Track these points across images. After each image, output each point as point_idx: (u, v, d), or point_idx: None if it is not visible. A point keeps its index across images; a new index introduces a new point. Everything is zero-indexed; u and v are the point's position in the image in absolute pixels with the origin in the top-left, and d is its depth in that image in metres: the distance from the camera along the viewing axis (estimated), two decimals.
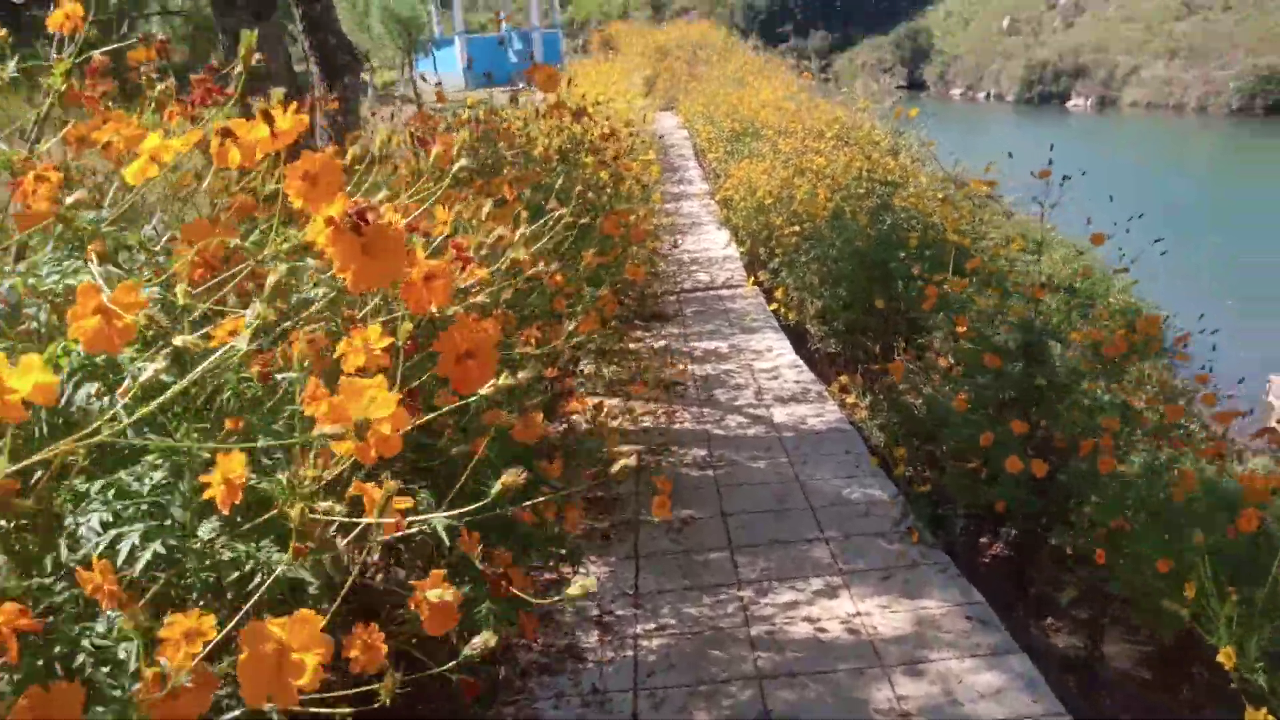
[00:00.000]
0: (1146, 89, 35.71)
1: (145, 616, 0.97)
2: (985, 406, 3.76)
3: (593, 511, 4.20)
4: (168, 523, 1.21)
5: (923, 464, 4.74)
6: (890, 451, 4.64)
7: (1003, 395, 3.71)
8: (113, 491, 1.21)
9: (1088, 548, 3.33)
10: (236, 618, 1.00)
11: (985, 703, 2.85)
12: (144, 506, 1.21)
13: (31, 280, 1.27)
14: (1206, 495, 2.79)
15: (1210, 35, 35.21)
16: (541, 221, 2.06)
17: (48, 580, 1.15)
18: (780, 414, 5.35)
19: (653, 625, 3.40)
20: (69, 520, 1.20)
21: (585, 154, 4.82)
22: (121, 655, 1.07)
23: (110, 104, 1.67)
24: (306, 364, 1.13)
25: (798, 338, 6.93)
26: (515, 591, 1.67)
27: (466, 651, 1.12)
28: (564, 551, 2.61)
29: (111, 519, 1.19)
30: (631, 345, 6.40)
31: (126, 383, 1.01)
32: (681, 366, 6.10)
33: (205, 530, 1.25)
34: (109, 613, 1.06)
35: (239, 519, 1.27)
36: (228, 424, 1.32)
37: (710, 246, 9.40)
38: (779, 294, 7.06)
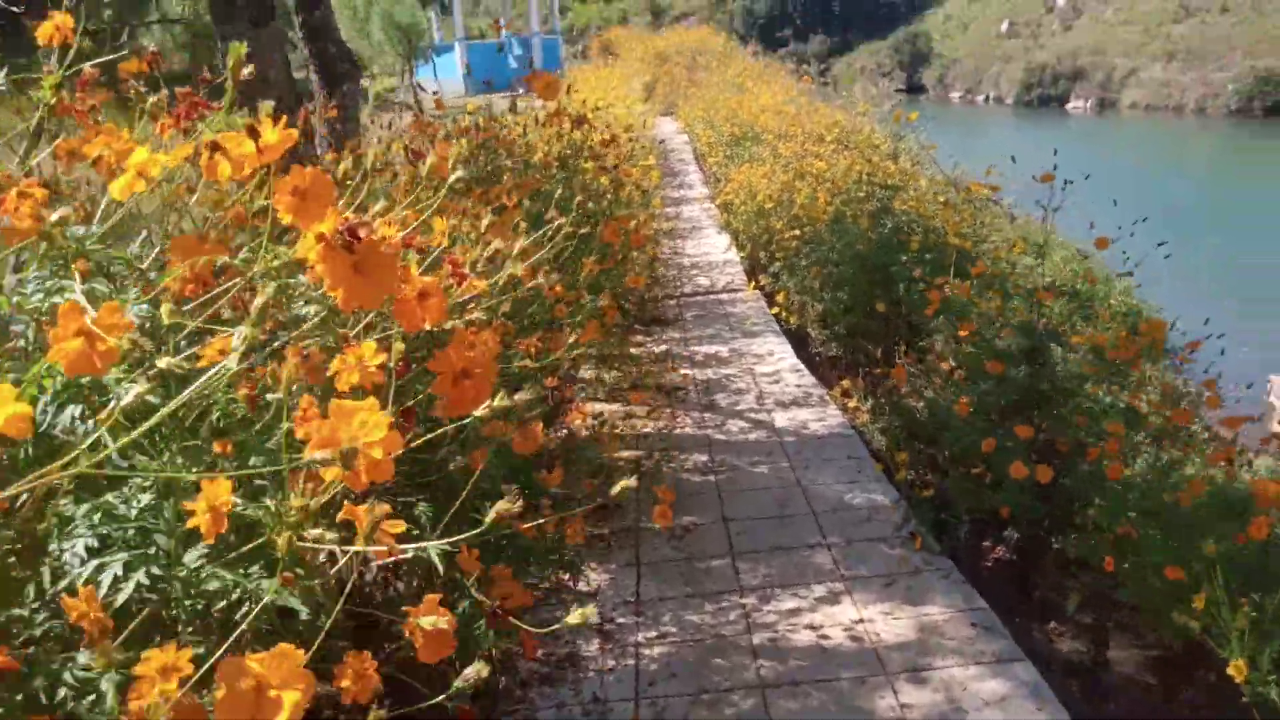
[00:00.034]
0: (1145, 91, 35.75)
1: (121, 650, 0.95)
2: (988, 411, 3.74)
3: (593, 518, 4.18)
4: (153, 550, 1.18)
5: (924, 467, 4.72)
6: (892, 456, 4.62)
7: (1005, 400, 3.69)
8: (99, 515, 1.18)
9: (1092, 551, 3.31)
10: (224, 646, 0.98)
11: (990, 710, 2.83)
12: (130, 531, 1.18)
13: (17, 298, 1.24)
14: (1214, 501, 2.77)
15: (1208, 38, 35.26)
16: (541, 232, 2.04)
17: (29, 610, 1.13)
18: (781, 418, 5.33)
19: (654, 633, 3.38)
20: (53, 545, 1.18)
21: (585, 160, 4.81)
22: (104, 688, 1.05)
23: (99, 118, 1.65)
24: (295, 387, 1.10)
25: (799, 341, 6.91)
26: (514, 621, 1.64)
27: (458, 684, 1.09)
28: (564, 561, 2.59)
29: (97, 544, 1.16)
30: (632, 350, 6.38)
31: (120, 402, 0.98)
32: (683, 373, 6.08)
33: (191, 558, 1.22)
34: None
35: (229, 544, 1.23)
36: (216, 447, 1.30)
37: (710, 251, 9.39)
38: (780, 298, 7.05)
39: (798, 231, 6.98)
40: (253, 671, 0.91)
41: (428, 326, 1.28)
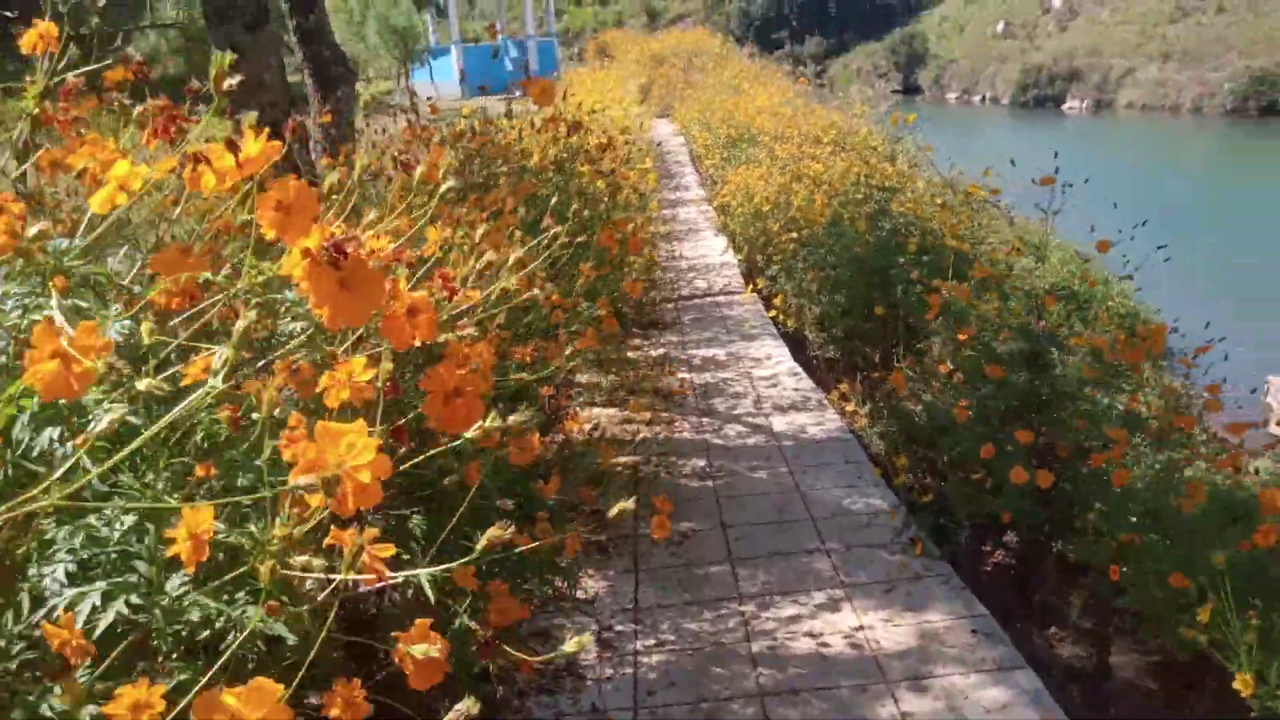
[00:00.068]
0: (1141, 91, 35.76)
1: (105, 678, 0.92)
2: (988, 416, 3.72)
3: (590, 525, 4.15)
4: (134, 577, 1.15)
5: (923, 471, 4.70)
6: (891, 460, 4.60)
7: (1005, 405, 3.67)
8: (80, 538, 1.15)
9: (1092, 555, 3.28)
10: (207, 676, 0.95)
11: (991, 718, 2.80)
12: (112, 555, 1.15)
13: None
14: (1218, 507, 2.74)
15: (1203, 38, 35.27)
16: (536, 241, 2.02)
17: (6, 640, 1.09)
18: (780, 423, 5.31)
19: (653, 641, 3.36)
20: (33, 570, 1.14)
21: (581, 165, 4.79)
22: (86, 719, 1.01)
23: (81, 130, 1.62)
24: (284, 403, 1.07)
25: (796, 344, 6.89)
26: (508, 650, 1.61)
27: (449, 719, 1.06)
28: (561, 569, 2.56)
29: (77, 569, 1.13)
30: (629, 354, 6.35)
31: (94, 427, 0.95)
32: (681, 377, 6.05)
33: (174, 585, 1.18)
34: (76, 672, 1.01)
35: (216, 565, 1.20)
36: (199, 470, 1.26)
37: (708, 253, 9.36)
38: (777, 301, 7.02)
39: (795, 234, 6.95)
40: (229, 707, 0.88)
41: (418, 343, 1.25)
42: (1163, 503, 2.95)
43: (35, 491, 0.91)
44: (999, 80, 42.07)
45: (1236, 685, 2.03)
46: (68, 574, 1.14)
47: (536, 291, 1.83)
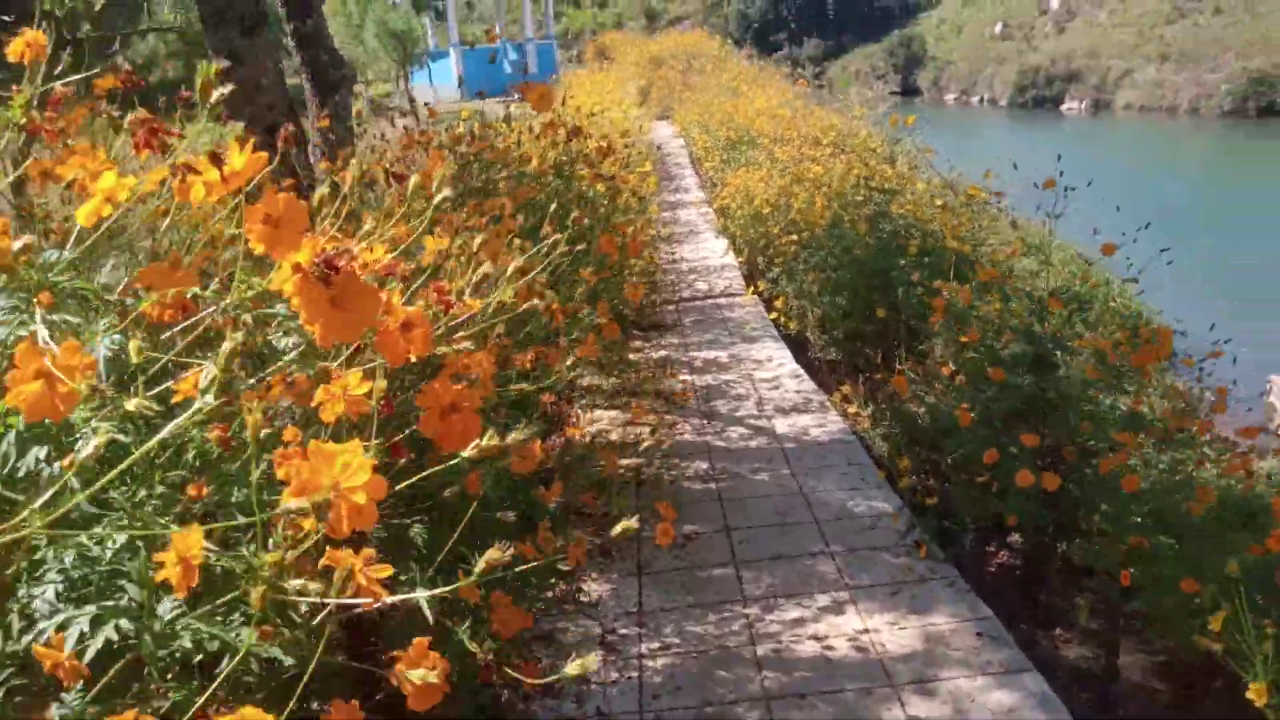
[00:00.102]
0: (1139, 92, 35.75)
1: (83, 708, 0.89)
2: (992, 419, 3.70)
3: (593, 527, 4.14)
4: (124, 600, 1.12)
5: (927, 473, 4.68)
6: (894, 462, 4.58)
7: (1010, 408, 3.65)
8: (71, 557, 1.12)
9: (1098, 558, 3.27)
10: (205, 695, 0.93)
11: None
12: (103, 576, 1.12)
13: None
14: (1229, 511, 2.73)
15: (1201, 39, 35.27)
16: (536, 249, 2.00)
17: None
18: (782, 425, 5.29)
19: (657, 645, 3.34)
20: (22, 590, 1.11)
21: (581, 172, 4.77)
22: None
23: (67, 141, 1.59)
24: (265, 433, 1.04)
25: (798, 346, 6.88)
26: (510, 671, 1.59)
27: None
28: (564, 575, 2.54)
29: (67, 588, 1.09)
30: (631, 356, 6.34)
31: (83, 449, 0.92)
32: (683, 379, 6.04)
33: (166, 608, 1.15)
34: (65, 695, 0.99)
35: (210, 584, 1.17)
36: (190, 490, 1.24)
37: (708, 255, 9.35)
38: (779, 303, 7.01)
39: (795, 236, 6.94)
40: None
41: (413, 358, 1.22)
42: (1170, 504, 2.93)
43: (19, 518, 0.89)
44: (997, 81, 42.06)
45: (1250, 695, 2.01)
46: (57, 594, 1.11)
47: (536, 302, 1.81)
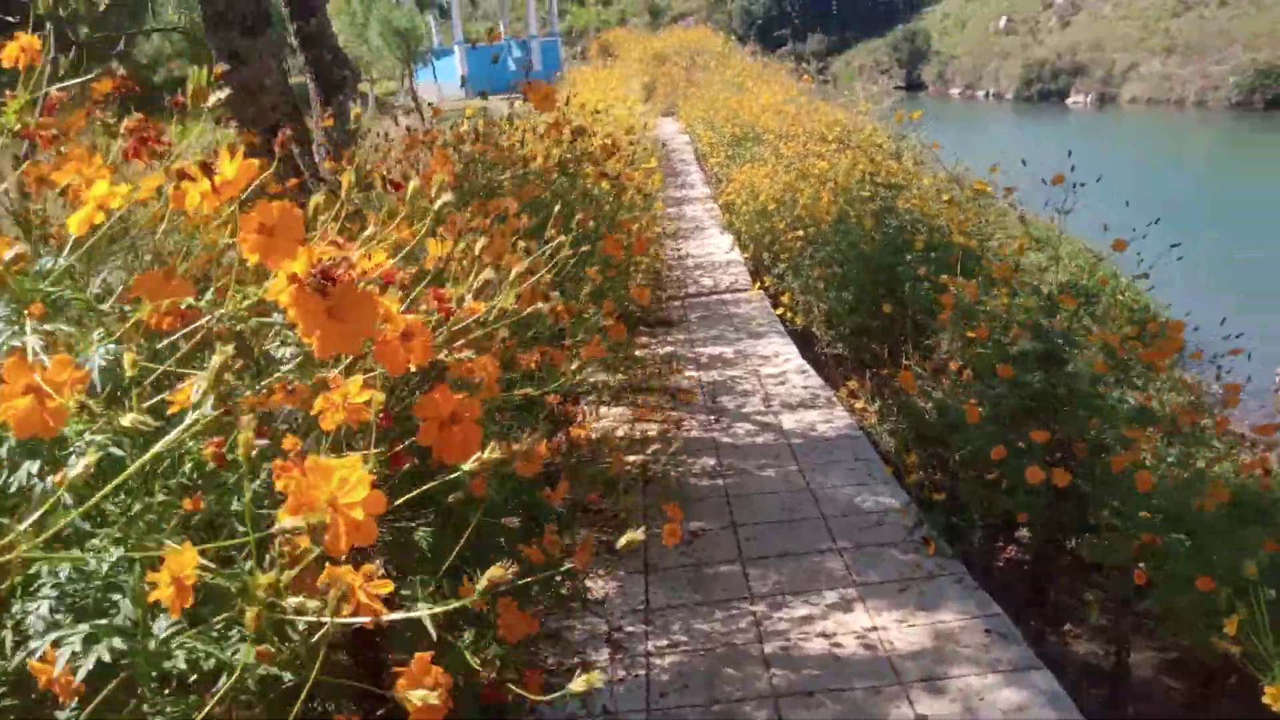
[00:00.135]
0: (1145, 85, 35.60)
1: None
2: (1001, 415, 3.68)
3: (600, 525, 4.13)
4: (119, 618, 1.09)
5: (934, 468, 4.66)
6: (901, 457, 4.56)
7: (1019, 404, 3.63)
8: (66, 571, 1.10)
9: (1107, 554, 3.25)
10: (203, 712, 0.91)
11: None
12: (98, 592, 1.10)
13: None
14: (1245, 508, 2.70)
15: (1206, 31, 35.10)
16: (540, 251, 1.98)
17: None
18: (789, 420, 5.28)
19: (664, 642, 3.33)
20: (16, 606, 1.09)
21: (587, 170, 4.75)
22: None
23: (63, 146, 1.58)
24: (263, 443, 1.02)
25: (804, 341, 6.87)
26: (512, 688, 1.57)
27: None
28: (570, 574, 2.53)
29: (62, 603, 1.07)
30: (637, 352, 6.32)
31: (71, 470, 0.90)
32: (689, 375, 6.02)
33: (161, 626, 1.13)
34: (60, 714, 0.97)
35: (206, 600, 1.14)
36: (186, 504, 1.22)
37: (714, 251, 9.34)
38: (785, 298, 7.00)
39: (801, 232, 6.92)
40: None
41: (413, 368, 1.20)
42: (1183, 500, 2.91)
43: (12, 535, 0.87)
44: (1002, 75, 41.92)
45: (1266, 700, 1.98)
46: (51, 609, 1.09)
47: (541, 305, 1.79)
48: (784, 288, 7.14)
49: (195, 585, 0.96)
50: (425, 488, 1.32)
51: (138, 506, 1.18)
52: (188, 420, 1.00)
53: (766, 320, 7.20)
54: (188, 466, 1.27)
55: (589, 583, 3.66)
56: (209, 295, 1.32)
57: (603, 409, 5.25)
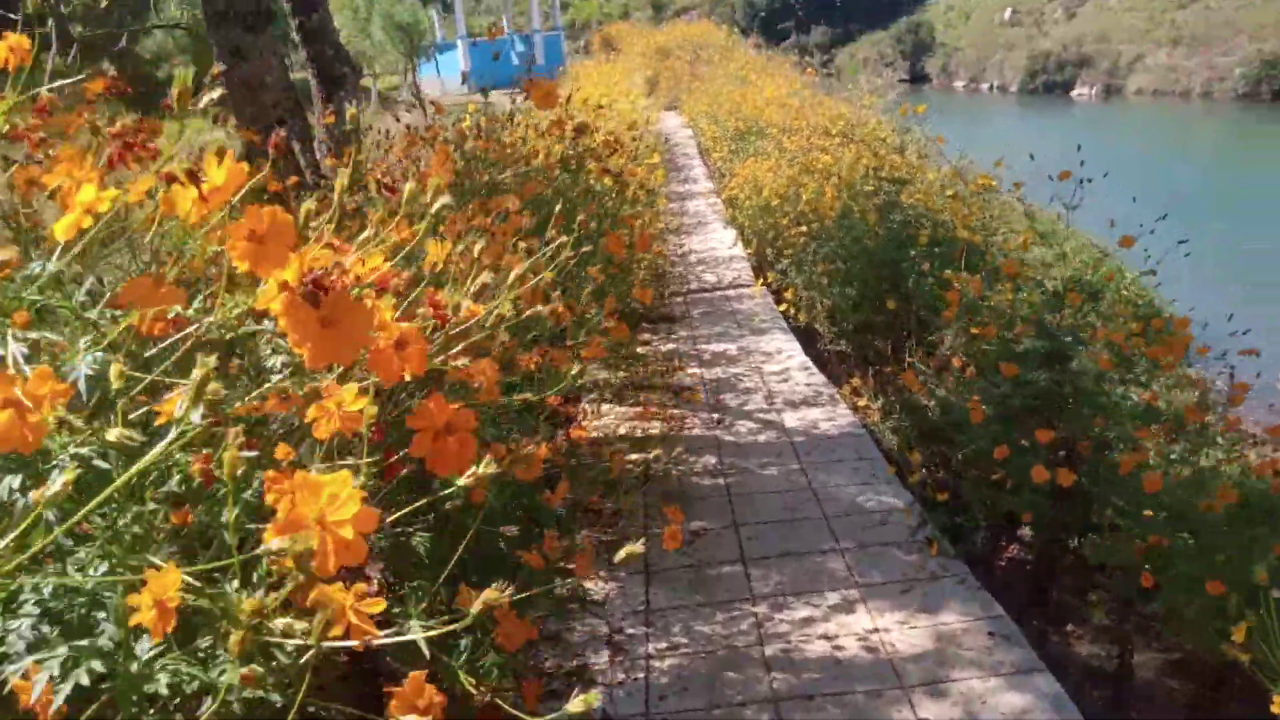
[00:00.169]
0: (1151, 76, 35.44)
1: None
2: (1005, 414, 3.66)
3: (601, 524, 4.11)
4: (101, 637, 1.07)
5: (937, 466, 4.64)
6: (904, 456, 4.54)
7: (1023, 403, 3.61)
8: (50, 587, 1.07)
9: (1110, 554, 3.23)
10: None
11: None
12: (84, 605, 1.08)
13: None
14: (1249, 506, 2.68)
15: (1212, 22, 34.93)
16: (541, 254, 1.96)
17: None
18: (791, 418, 5.26)
19: (664, 644, 3.31)
20: None
21: (587, 159, 4.73)
22: None
23: (51, 149, 1.56)
24: (239, 471, 0.99)
25: (807, 338, 6.84)
26: (511, 710, 1.55)
27: None
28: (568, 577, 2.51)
29: (42, 619, 1.05)
30: (639, 349, 6.30)
31: (49, 488, 0.88)
32: (691, 372, 6.00)
33: (145, 647, 1.10)
34: None
35: (189, 629, 1.12)
36: (173, 518, 1.20)
37: (717, 246, 9.31)
38: (788, 294, 6.97)
39: (804, 227, 6.89)
40: None
41: (408, 377, 1.17)
42: (1190, 499, 2.88)
43: None
44: (1007, 67, 41.75)
45: (1275, 709, 1.96)
46: (34, 626, 1.06)
47: (541, 309, 1.76)
48: (787, 283, 7.11)
49: (180, 607, 0.94)
50: (422, 501, 1.30)
51: (123, 520, 1.16)
52: (171, 435, 0.98)
53: (769, 316, 7.18)
54: (175, 480, 1.25)
55: (589, 584, 3.64)
56: (197, 303, 1.30)
57: (604, 406, 5.23)
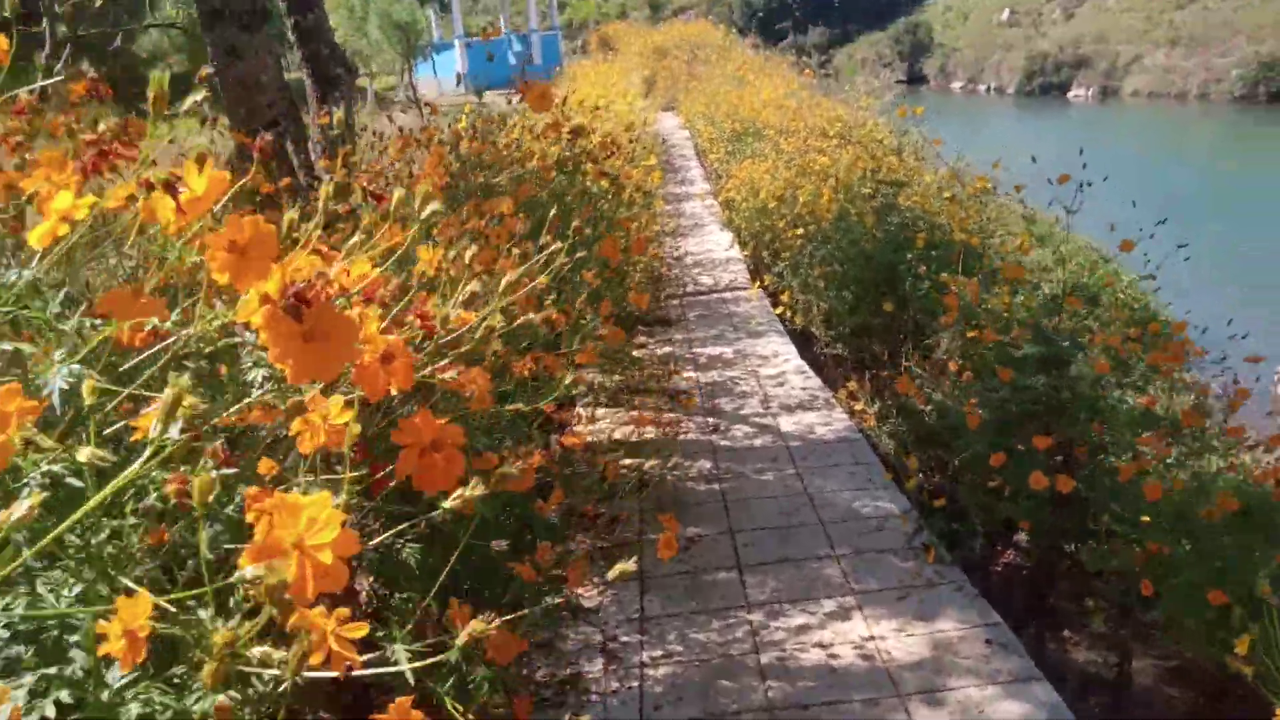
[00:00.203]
0: (1148, 78, 35.48)
1: None
2: (1002, 420, 3.63)
3: (593, 531, 4.08)
4: (70, 667, 1.04)
5: (933, 469, 4.61)
6: (901, 461, 4.51)
7: (1020, 408, 3.58)
8: (21, 606, 1.05)
9: (1105, 560, 3.20)
10: None
11: None
12: (55, 627, 1.05)
13: None
14: (1251, 513, 2.65)
15: (1210, 24, 34.98)
16: (535, 259, 1.93)
17: None
18: (787, 423, 5.23)
19: (659, 652, 3.29)
20: None
21: (583, 161, 4.70)
22: None
23: (26, 154, 1.53)
24: (213, 495, 0.96)
25: (804, 341, 6.81)
26: None
27: None
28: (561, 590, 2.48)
29: (13, 641, 1.02)
30: (635, 352, 6.27)
31: (12, 511, 0.86)
32: (687, 376, 5.97)
33: (115, 675, 1.08)
34: None
35: (164, 656, 1.09)
36: (149, 539, 1.17)
37: (713, 248, 9.28)
38: (784, 297, 6.94)
39: (801, 229, 6.87)
40: None
41: (394, 391, 1.15)
42: (1189, 505, 2.86)
43: None
44: (1004, 69, 41.80)
45: None
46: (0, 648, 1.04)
47: (533, 316, 1.74)
48: (783, 286, 7.08)
49: (152, 635, 0.91)
50: (412, 515, 1.28)
51: (98, 539, 1.13)
52: (145, 455, 0.95)
53: (766, 319, 7.15)
54: (153, 497, 1.22)
55: (582, 591, 3.61)
56: (176, 314, 1.27)
57: (599, 411, 5.20)
